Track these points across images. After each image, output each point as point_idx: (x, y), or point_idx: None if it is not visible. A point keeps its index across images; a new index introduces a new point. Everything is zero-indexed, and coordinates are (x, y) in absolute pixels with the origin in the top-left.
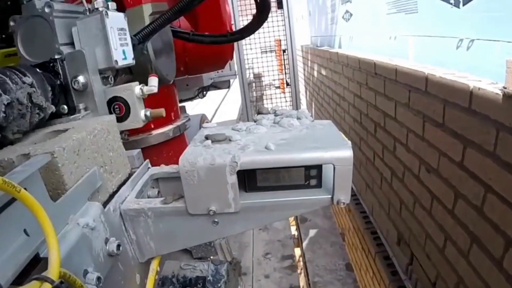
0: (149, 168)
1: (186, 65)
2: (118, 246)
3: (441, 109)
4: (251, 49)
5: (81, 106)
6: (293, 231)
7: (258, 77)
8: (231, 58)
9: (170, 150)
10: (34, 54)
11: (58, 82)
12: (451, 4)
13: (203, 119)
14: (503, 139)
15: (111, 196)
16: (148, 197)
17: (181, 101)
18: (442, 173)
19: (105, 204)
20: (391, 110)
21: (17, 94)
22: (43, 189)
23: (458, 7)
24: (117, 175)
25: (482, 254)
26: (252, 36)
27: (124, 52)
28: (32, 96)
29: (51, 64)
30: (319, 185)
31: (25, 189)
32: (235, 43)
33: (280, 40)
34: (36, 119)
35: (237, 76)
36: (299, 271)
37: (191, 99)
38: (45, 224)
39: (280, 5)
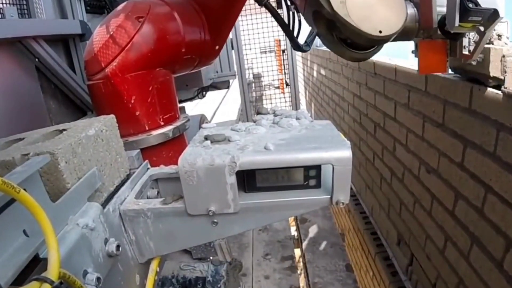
0: (148, 168)
1: None
2: (118, 246)
3: (441, 109)
4: (250, 49)
5: None
6: (293, 231)
7: (257, 77)
8: None
9: (169, 150)
10: None
11: None
12: None
13: (202, 119)
14: (503, 140)
15: (111, 196)
16: (148, 197)
17: (180, 101)
18: (442, 174)
19: (104, 204)
20: (390, 110)
21: None
22: (42, 190)
23: None
24: (117, 175)
25: (483, 255)
26: (251, 36)
27: None
28: None
29: None
30: (318, 185)
31: (24, 189)
32: (234, 43)
33: (279, 40)
34: None
35: (237, 76)
36: (299, 272)
37: (190, 99)
38: (45, 225)
39: (279, 5)
